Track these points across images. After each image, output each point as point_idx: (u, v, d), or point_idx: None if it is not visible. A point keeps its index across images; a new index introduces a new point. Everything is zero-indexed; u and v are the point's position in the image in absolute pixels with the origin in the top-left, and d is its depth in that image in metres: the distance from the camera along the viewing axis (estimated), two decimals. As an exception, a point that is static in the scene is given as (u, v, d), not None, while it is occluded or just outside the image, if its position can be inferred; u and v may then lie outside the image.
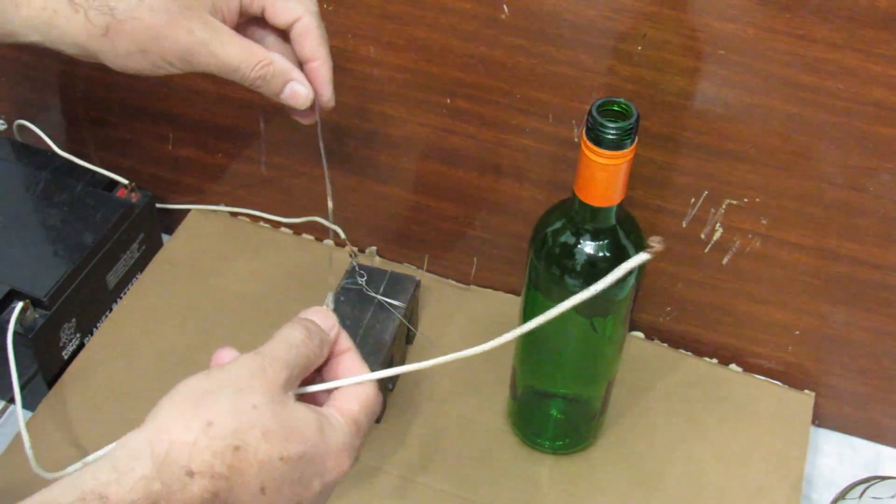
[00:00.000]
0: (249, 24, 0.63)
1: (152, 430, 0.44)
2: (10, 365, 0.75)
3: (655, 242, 0.49)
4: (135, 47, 0.58)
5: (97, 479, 0.42)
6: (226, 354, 0.49)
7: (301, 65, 0.63)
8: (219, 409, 0.45)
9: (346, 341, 0.53)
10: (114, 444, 0.45)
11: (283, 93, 0.62)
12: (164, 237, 0.92)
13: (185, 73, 0.84)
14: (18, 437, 0.76)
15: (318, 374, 0.52)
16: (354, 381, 0.51)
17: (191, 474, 0.43)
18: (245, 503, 0.44)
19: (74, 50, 0.59)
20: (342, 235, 0.87)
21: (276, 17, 0.62)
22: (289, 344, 0.49)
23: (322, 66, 0.63)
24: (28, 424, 0.77)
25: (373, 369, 0.73)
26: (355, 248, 0.90)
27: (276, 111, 0.84)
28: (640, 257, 0.50)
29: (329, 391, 0.51)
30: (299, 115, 0.65)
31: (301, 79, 0.62)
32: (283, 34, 0.63)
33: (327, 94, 0.64)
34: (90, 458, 0.51)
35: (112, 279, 0.85)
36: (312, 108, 0.64)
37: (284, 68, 0.62)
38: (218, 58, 0.59)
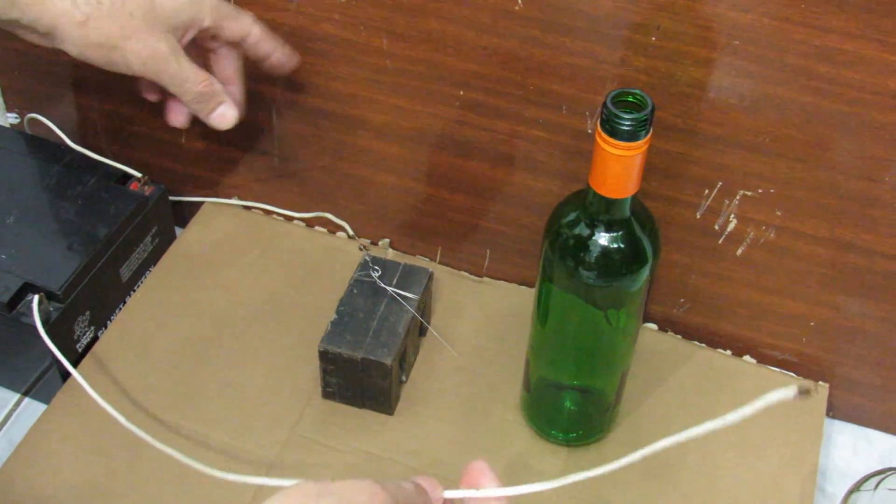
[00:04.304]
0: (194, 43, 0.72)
1: None
2: (51, 352, 0.75)
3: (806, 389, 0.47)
4: (105, 41, 0.65)
5: None
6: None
7: (263, 62, 0.74)
8: None
9: None
10: None
11: (213, 113, 0.72)
12: (178, 230, 0.92)
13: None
14: (34, 429, 0.76)
15: None
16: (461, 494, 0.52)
17: None
18: None
19: (41, 31, 0.64)
20: (350, 232, 0.88)
21: (230, 33, 0.71)
22: (399, 486, 0.50)
23: (278, 52, 0.74)
24: (42, 418, 0.77)
25: (386, 362, 0.74)
26: (366, 241, 0.90)
27: (289, 105, 0.84)
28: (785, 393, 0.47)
29: None
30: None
31: (230, 103, 0.72)
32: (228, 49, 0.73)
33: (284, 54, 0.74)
34: None
35: (125, 272, 0.85)
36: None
37: (218, 90, 0.71)
38: (175, 68, 0.68)
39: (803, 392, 0.45)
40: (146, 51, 0.66)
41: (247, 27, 0.71)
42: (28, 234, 0.81)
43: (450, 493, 0.52)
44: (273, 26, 0.78)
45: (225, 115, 0.72)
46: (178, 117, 0.74)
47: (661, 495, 0.75)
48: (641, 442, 0.77)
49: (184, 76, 0.68)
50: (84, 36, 0.64)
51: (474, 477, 0.52)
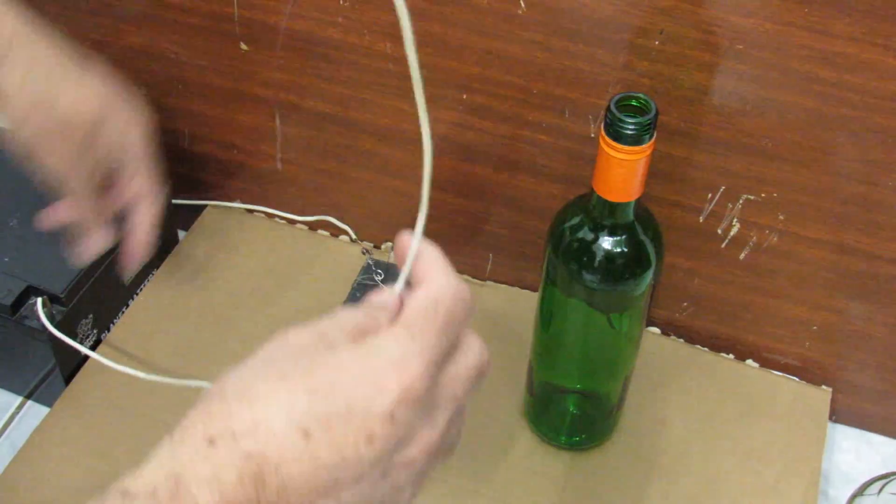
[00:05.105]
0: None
1: (177, 426, 0.40)
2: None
3: None
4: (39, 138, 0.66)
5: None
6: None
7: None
8: (232, 379, 0.41)
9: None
10: None
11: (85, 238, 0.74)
12: (180, 233, 0.92)
13: (201, 69, 0.84)
14: (37, 432, 0.76)
15: None
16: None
17: (211, 441, 0.38)
18: (288, 461, 0.38)
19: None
20: (353, 235, 0.88)
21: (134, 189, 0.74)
22: (324, 315, 0.43)
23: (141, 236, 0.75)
24: (45, 421, 0.77)
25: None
26: (369, 245, 0.90)
27: (292, 108, 0.84)
28: None
29: None
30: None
31: (103, 237, 0.74)
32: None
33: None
34: None
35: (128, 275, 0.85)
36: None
37: (97, 222, 0.73)
38: (79, 183, 0.69)
39: None
40: (66, 158, 0.67)
41: (145, 194, 0.74)
42: (31, 237, 0.81)
43: (398, 285, 0.45)
44: (276, 30, 0.79)
45: (90, 246, 0.74)
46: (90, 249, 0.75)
47: (663, 500, 0.75)
48: (644, 446, 0.78)
49: (83, 193, 0.70)
50: (24, 120, 0.65)
51: (401, 251, 0.46)
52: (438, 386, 0.41)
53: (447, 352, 0.42)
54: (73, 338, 0.79)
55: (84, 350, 0.77)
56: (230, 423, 0.38)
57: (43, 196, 0.84)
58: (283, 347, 0.42)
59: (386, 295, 0.45)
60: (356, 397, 0.39)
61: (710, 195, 0.75)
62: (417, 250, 0.46)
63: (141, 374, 0.73)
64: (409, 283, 0.46)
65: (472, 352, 0.44)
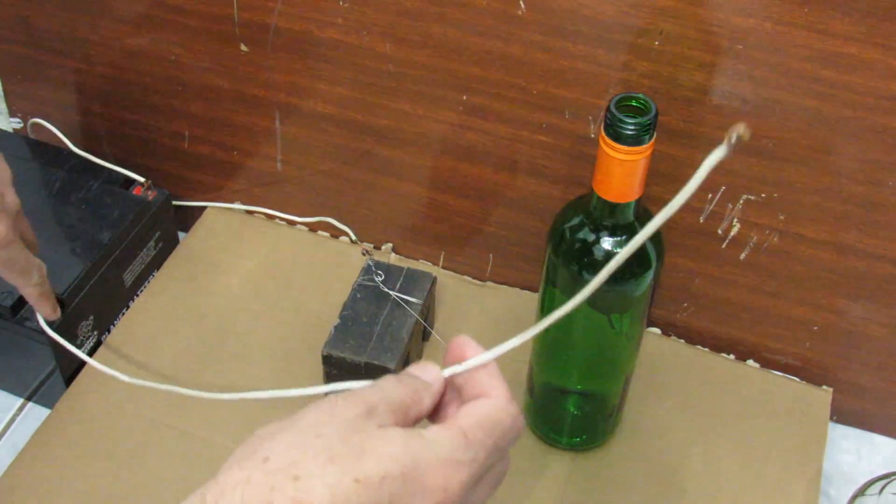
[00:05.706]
0: None
1: (209, 482, 0.40)
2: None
3: (737, 132, 0.41)
4: None
5: None
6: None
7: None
8: (277, 445, 0.40)
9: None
10: None
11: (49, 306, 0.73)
12: (181, 235, 0.92)
13: (201, 70, 0.84)
14: (37, 434, 0.76)
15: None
16: (458, 370, 0.46)
17: None
18: None
19: None
20: (353, 237, 0.88)
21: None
22: (372, 385, 0.45)
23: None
24: (46, 423, 0.77)
25: (390, 366, 0.73)
26: (369, 246, 0.90)
27: (292, 109, 0.84)
28: (720, 152, 0.43)
29: None
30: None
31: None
32: None
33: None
34: None
35: (129, 277, 0.85)
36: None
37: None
38: (19, 254, 0.67)
39: (731, 142, 0.42)
40: None
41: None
42: (31, 238, 0.81)
43: (447, 371, 0.47)
44: (275, 31, 0.79)
45: (55, 311, 0.74)
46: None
47: (663, 500, 0.74)
48: (645, 446, 0.78)
49: (31, 264, 0.69)
50: None
51: (458, 352, 0.48)
52: (470, 495, 0.43)
53: (489, 468, 0.44)
54: (74, 339, 0.79)
55: (82, 356, 0.77)
56: (271, 498, 0.39)
57: (43, 198, 0.84)
58: (331, 420, 0.42)
59: (431, 372, 0.47)
60: (400, 493, 0.40)
61: (710, 195, 0.75)
62: (481, 360, 0.48)
63: (124, 377, 0.72)
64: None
65: (503, 468, 0.46)
